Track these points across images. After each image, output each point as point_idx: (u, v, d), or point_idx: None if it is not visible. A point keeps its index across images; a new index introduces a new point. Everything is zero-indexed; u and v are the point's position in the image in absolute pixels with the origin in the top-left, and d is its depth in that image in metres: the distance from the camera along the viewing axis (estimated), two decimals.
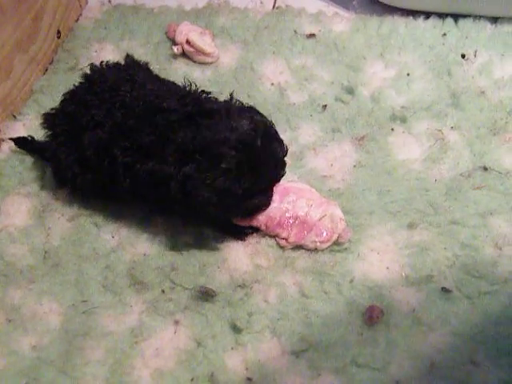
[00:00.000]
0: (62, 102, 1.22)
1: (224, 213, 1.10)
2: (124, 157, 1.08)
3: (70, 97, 1.21)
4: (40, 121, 1.26)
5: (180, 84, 1.18)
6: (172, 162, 1.02)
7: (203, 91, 1.15)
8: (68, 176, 1.19)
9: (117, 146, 1.08)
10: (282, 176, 1.11)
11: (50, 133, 1.22)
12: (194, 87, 1.15)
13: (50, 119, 1.23)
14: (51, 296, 1.12)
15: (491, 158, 1.25)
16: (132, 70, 1.22)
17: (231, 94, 1.12)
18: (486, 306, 1.04)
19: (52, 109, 1.23)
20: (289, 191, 1.16)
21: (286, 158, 1.19)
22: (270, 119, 1.10)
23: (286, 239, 1.13)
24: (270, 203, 1.12)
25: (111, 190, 1.16)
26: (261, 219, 1.13)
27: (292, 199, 1.14)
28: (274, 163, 1.06)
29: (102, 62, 1.25)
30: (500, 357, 0.97)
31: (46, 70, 1.57)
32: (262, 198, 1.09)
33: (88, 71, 1.23)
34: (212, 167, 0.99)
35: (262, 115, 1.10)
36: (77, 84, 1.22)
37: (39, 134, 1.36)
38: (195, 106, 1.07)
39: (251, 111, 1.08)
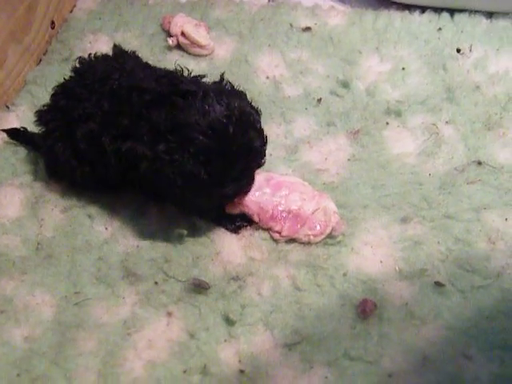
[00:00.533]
0: (52, 96, 1.21)
1: (192, 198, 1.07)
2: (112, 144, 1.07)
3: (61, 91, 1.20)
4: (33, 113, 1.25)
5: (173, 71, 1.16)
6: (146, 141, 1.02)
7: (199, 76, 1.13)
8: (67, 171, 1.18)
9: (106, 135, 1.08)
10: (259, 166, 1.09)
11: (44, 129, 1.22)
12: (186, 73, 1.14)
13: (42, 116, 1.22)
14: (44, 287, 1.12)
15: (485, 152, 1.25)
16: (121, 59, 1.21)
17: (222, 76, 1.10)
18: (479, 300, 1.04)
19: (44, 105, 1.23)
20: (281, 186, 1.16)
21: (280, 151, 1.20)
22: (259, 108, 1.08)
23: (280, 232, 1.13)
24: (245, 192, 1.11)
25: (109, 181, 1.16)
26: (253, 208, 1.13)
27: (285, 193, 1.14)
28: (247, 152, 1.03)
29: (89, 54, 1.24)
30: (492, 350, 0.97)
31: (40, 60, 1.56)
32: (234, 186, 1.06)
33: (77, 64, 1.22)
34: (181, 149, 0.98)
35: (247, 101, 1.07)
36: (67, 78, 1.21)
37: (32, 125, 1.35)
38: (171, 86, 1.05)
39: (234, 96, 1.04)
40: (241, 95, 1.07)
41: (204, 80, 1.12)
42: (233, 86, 1.09)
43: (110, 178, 1.15)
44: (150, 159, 1.01)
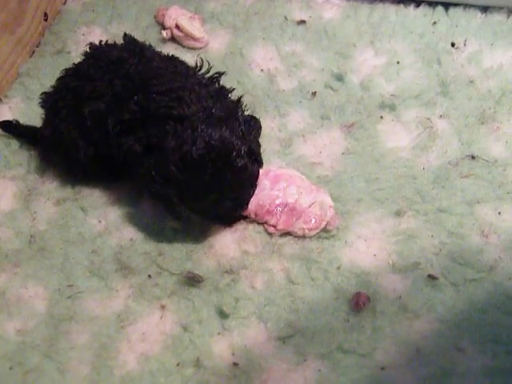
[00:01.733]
0: (60, 78, 1.21)
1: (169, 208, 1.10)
2: (115, 128, 1.08)
3: (72, 73, 1.20)
4: (38, 100, 1.24)
5: (192, 65, 1.19)
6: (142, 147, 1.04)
7: (215, 74, 1.17)
8: (71, 151, 1.17)
9: (112, 117, 1.08)
10: (247, 195, 1.09)
11: (51, 110, 1.21)
12: (205, 68, 1.17)
13: (49, 97, 1.22)
14: (36, 280, 1.12)
15: (479, 146, 1.25)
16: (140, 45, 1.21)
17: (239, 98, 1.14)
18: (472, 293, 1.04)
19: (52, 86, 1.22)
20: (280, 178, 1.16)
21: (274, 145, 1.20)
22: (257, 110, 1.11)
23: (275, 226, 1.13)
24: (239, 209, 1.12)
25: (110, 166, 1.17)
26: (250, 208, 1.13)
27: (283, 186, 1.14)
28: (219, 187, 1.02)
29: (100, 41, 1.23)
30: (484, 343, 0.98)
31: (33, 52, 1.55)
32: (216, 209, 1.07)
33: (87, 49, 1.21)
34: (158, 171, 1.02)
35: (238, 126, 1.05)
36: (60, 70, 1.21)
37: (25, 117, 1.36)
38: (169, 108, 1.04)
39: (222, 125, 1.02)
40: (234, 123, 1.05)
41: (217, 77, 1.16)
42: (243, 110, 1.13)
43: (112, 162, 1.14)
44: (144, 167, 1.04)
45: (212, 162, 0.99)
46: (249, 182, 1.08)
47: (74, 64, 1.21)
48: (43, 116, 1.25)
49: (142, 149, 1.04)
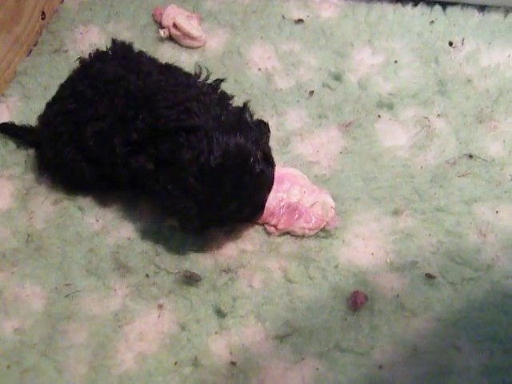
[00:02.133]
0: (58, 99, 1.21)
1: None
2: (122, 148, 1.07)
3: (70, 93, 1.19)
4: (36, 100, 1.27)
5: (191, 72, 1.18)
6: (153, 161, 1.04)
7: (216, 81, 1.16)
8: (76, 171, 1.18)
9: (117, 138, 1.08)
10: (262, 200, 1.09)
11: (51, 134, 1.20)
12: (203, 75, 1.16)
13: (51, 120, 1.20)
14: (34, 279, 1.11)
15: (477, 145, 1.25)
16: (138, 58, 1.21)
17: (245, 104, 1.11)
18: (469, 292, 1.04)
19: (49, 105, 1.22)
20: (284, 179, 1.15)
21: (272, 144, 1.20)
22: (254, 109, 1.10)
23: (275, 226, 1.13)
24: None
25: (116, 181, 1.16)
26: None
27: (287, 187, 1.14)
28: (238, 194, 1.02)
29: (89, 53, 1.23)
30: (482, 342, 0.98)
31: (30, 51, 1.54)
32: (235, 216, 1.08)
33: (79, 64, 1.21)
34: (174, 184, 1.01)
35: (259, 135, 1.06)
36: (59, 71, 1.22)
37: (23, 116, 1.36)
38: (179, 121, 1.03)
39: (236, 132, 1.01)
40: (244, 127, 1.04)
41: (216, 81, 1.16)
42: (251, 115, 1.09)
43: (117, 178, 1.14)
44: (154, 180, 1.04)
45: (230, 169, 0.99)
46: (266, 186, 1.08)
47: (70, 81, 1.21)
48: (44, 134, 1.23)
49: (153, 165, 1.04)
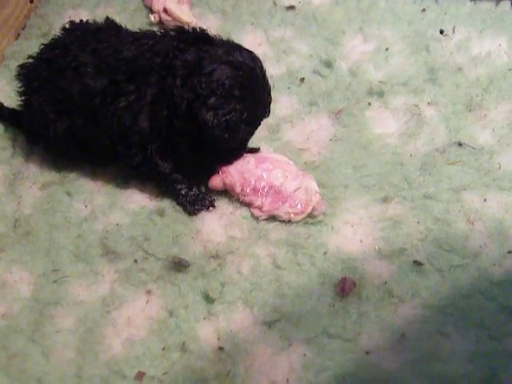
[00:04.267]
0: (40, 51, 1.20)
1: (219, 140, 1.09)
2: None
3: (50, 45, 1.19)
4: (14, 82, 1.23)
5: None
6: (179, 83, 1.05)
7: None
8: (42, 124, 1.16)
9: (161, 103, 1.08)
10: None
11: (24, 82, 1.20)
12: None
13: (25, 68, 1.20)
14: (22, 265, 1.11)
15: (466, 134, 1.26)
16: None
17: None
18: (457, 279, 1.05)
19: (29, 56, 1.21)
20: (266, 160, 1.16)
21: (262, 131, 1.20)
22: None
23: (260, 208, 1.13)
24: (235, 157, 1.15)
25: (85, 141, 1.15)
26: (235, 177, 1.13)
27: (268, 167, 1.14)
28: (267, 96, 1.11)
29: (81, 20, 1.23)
30: (468, 328, 0.99)
31: (19, 35, 1.53)
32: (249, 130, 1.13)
33: (66, 25, 1.21)
34: (217, 86, 1.03)
35: None
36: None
37: (11, 100, 1.34)
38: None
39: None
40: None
41: None
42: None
43: (88, 136, 1.14)
44: (189, 100, 1.04)
45: (260, 68, 1.10)
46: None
47: (52, 39, 1.21)
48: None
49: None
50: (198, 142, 1.09)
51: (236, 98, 1.04)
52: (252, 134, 1.15)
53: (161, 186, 1.18)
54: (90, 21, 1.22)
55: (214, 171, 1.16)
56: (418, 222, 1.13)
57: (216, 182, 1.15)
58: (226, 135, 1.05)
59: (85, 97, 1.09)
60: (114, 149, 1.12)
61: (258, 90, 1.08)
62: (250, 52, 1.11)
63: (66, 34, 1.19)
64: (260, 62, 1.11)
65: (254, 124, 1.13)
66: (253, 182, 1.13)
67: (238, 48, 1.09)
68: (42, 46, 1.20)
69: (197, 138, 1.07)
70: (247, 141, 1.17)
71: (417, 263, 1.07)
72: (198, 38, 1.09)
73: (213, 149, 1.11)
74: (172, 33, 1.12)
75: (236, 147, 1.14)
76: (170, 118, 1.07)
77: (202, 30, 1.12)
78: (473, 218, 1.13)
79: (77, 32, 1.17)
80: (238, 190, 1.13)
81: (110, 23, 1.20)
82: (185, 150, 1.12)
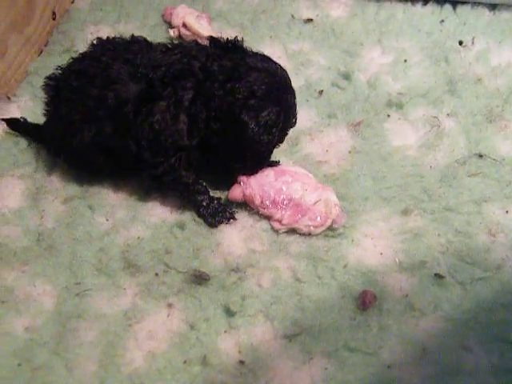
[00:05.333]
0: (69, 64, 1.22)
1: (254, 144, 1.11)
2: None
3: (80, 58, 1.21)
4: (37, 98, 1.26)
5: None
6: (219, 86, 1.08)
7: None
8: (68, 133, 1.17)
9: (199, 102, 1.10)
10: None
11: (52, 92, 1.22)
12: None
13: (53, 80, 1.23)
14: (45, 278, 1.12)
15: (487, 145, 1.25)
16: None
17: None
18: (479, 292, 1.04)
19: (58, 67, 1.23)
20: (285, 173, 1.16)
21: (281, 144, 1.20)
22: None
23: (280, 221, 1.13)
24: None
25: (110, 150, 1.16)
26: (255, 189, 1.14)
27: (287, 180, 1.14)
28: (294, 102, 1.15)
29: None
30: (491, 342, 0.98)
31: (41, 51, 1.56)
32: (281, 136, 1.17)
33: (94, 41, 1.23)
34: (250, 90, 1.07)
35: None
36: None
37: (34, 116, 1.36)
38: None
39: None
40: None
41: None
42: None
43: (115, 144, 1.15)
44: (229, 102, 1.07)
45: (287, 76, 1.14)
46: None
47: (80, 54, 1.23)
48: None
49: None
50: (231, 145, 1.10)
51: (274, 101, 1.08)
52: (281, 141, 1.18)
53: (183, 197, 1.19)
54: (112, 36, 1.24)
55: (234, 181, 1.17)
56: (439, 235, 1.12)
57: (236, 192, 1.16)
58: (264, 137, 1.08)
59: (117, 102, 1.10)
60: (139, 157, 1.12)
61: (289, 96, 1.13)
62: (277, 63, 1.15)
63: (95, 47, 1.20)
64: (286, 72, 1.15)
65: (285, 130, 1.16)
66: (272, 195, 1.13)
67: (269, 58, 1.15)
68: (71, 60, 1.22)
69: (233, 141, 1.09)
70: (272, 151, 1.19)
71: (438, 276, 1.06)
72: (232, 47, 1.14)
73: (242, 155, 1.13)
74: (204, 42, 1.16)
75: (264, 155, 1.17)
76: (207, 121, 1.09)
77: (236, 40, 1.15)
78: (494, 231, 1.12)
79: (107, 45, 1.19)
80: (257, 202, 1.14)
81: (138, 38, 1.22)
82: (213, 157, 1.14)
